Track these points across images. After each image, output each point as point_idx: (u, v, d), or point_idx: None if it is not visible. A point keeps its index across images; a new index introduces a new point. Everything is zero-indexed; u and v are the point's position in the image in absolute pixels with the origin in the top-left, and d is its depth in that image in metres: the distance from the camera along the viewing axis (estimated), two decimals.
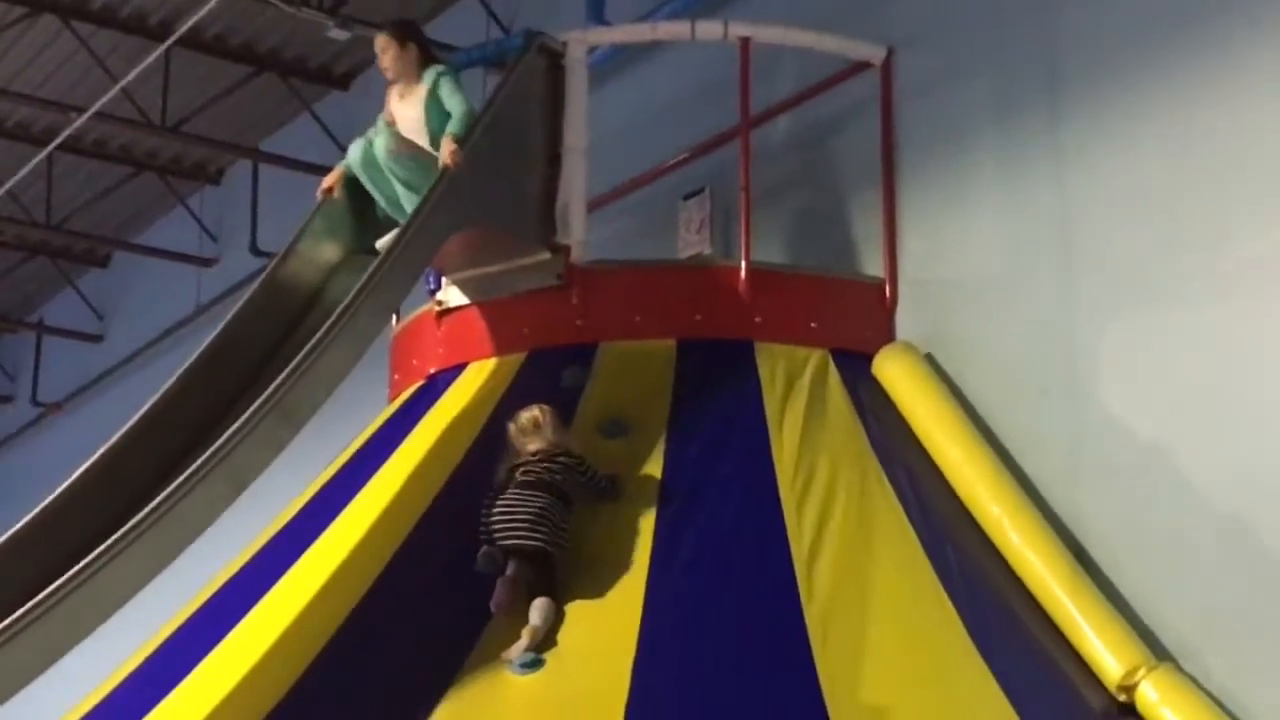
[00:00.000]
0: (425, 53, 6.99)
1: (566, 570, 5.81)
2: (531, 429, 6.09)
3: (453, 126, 6.62)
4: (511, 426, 6.16)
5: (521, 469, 5.96)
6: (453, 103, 6.72)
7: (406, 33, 7.02)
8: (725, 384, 6.74)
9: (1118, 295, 6.49)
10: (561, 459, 5.99)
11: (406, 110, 6.89)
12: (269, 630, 5.72)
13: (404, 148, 6.69)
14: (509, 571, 5.76)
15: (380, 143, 6.67)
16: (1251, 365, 5.94)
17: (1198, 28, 6.31)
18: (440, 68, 6.90)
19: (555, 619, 5.63)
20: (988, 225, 7.05)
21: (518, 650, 5.49)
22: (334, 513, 6.39)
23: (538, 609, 5.62)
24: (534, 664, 5.44)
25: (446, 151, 6.48)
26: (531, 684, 5.40)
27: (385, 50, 6.95)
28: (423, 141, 6.76)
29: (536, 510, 5.80)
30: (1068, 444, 6.53)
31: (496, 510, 5.85)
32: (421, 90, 6.83)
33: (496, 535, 5.81)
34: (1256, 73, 6.09)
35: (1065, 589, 6.00)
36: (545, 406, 6.20)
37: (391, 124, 6.88)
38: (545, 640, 5.58)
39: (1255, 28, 6.10)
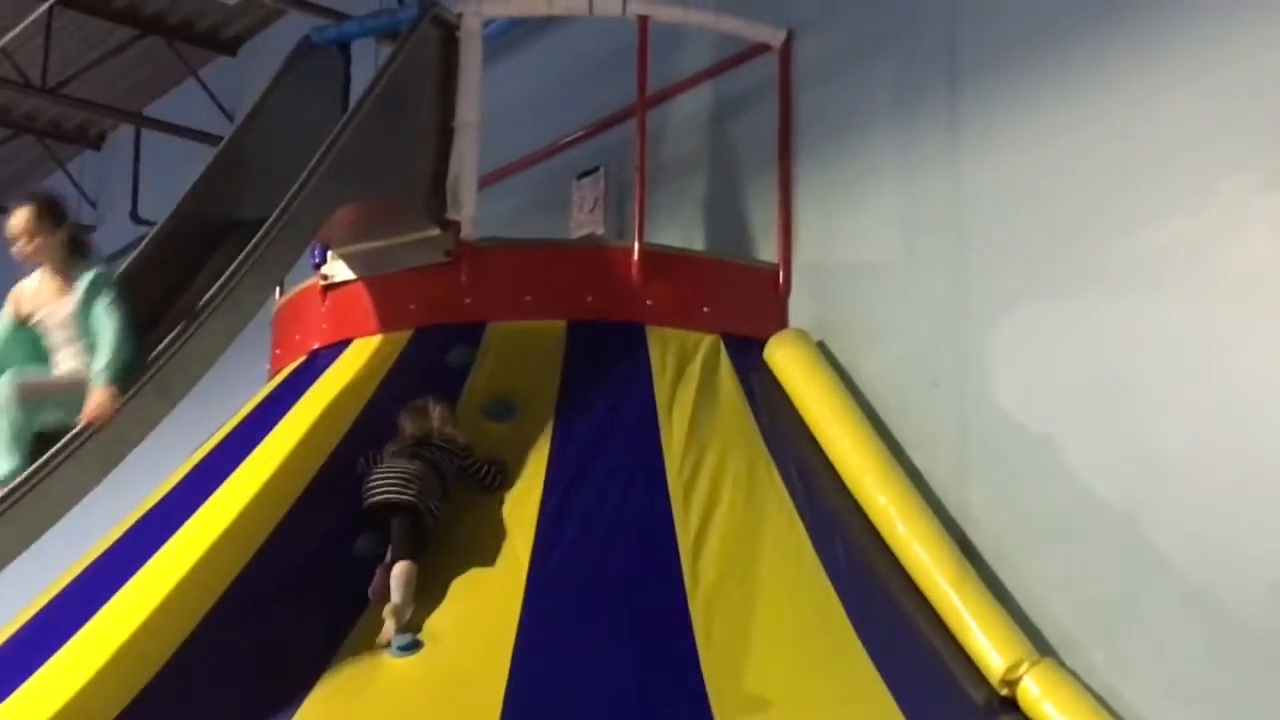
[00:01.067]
0: (76, 241, 5.94)
1: (448, 552, 5.77)
2: (419, 416, 6.10)
3: (103, 364, 5.42)
4: (402, 413, 6.15)
5: (405, 447, 5.98)
6: (106, 329, 5.53)
7: (57, 213, 5.89)
8: (615, 367, 6.74)
9: (1010, 287, 6.53)
10: (440, 442, 6.00)
11: (57, 304, 5.77)
12: (139, 610, 5.65)
13: (32, 393, 5.50)
14: (388, 556, 5.72)
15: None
16: (1141, 358, 6.01)
17: (1096, 19, 6.35)
18: (97, 271, 5.83)
19: (414, 588, 5.59)
20: (883, 212, 7.08)
21: (387, 635, 5.48)
22: (210, 490, 6.33)
23: (396, 582, 5.59)
24: (412, 646, 5.41)
25: (93, 403, 5.31)
26: (410, 666, 5.37)
27: (25, 230, 5.75)
28: (75, 350, 5.67)
29: (410, 472, 5.80)
30: (956, 436, 6.57)
31: (372, 475, 5.85)
32: (73, 293, 5.71)
33: (369, 496, 5.80)
34: (1152, 66, 6.14)
35: (950, 582, 6.04)
36: (439, 398, 6.22)
37: (26, 319, 5.83)
38: (413, 617, 5.55)
39: (1151, 21, 6.15)
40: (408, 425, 6.09)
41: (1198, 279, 5.89)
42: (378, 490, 5.80)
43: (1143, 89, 6.15)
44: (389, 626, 5.50)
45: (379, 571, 5.68)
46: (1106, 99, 6.28)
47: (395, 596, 5.55)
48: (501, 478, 6.13)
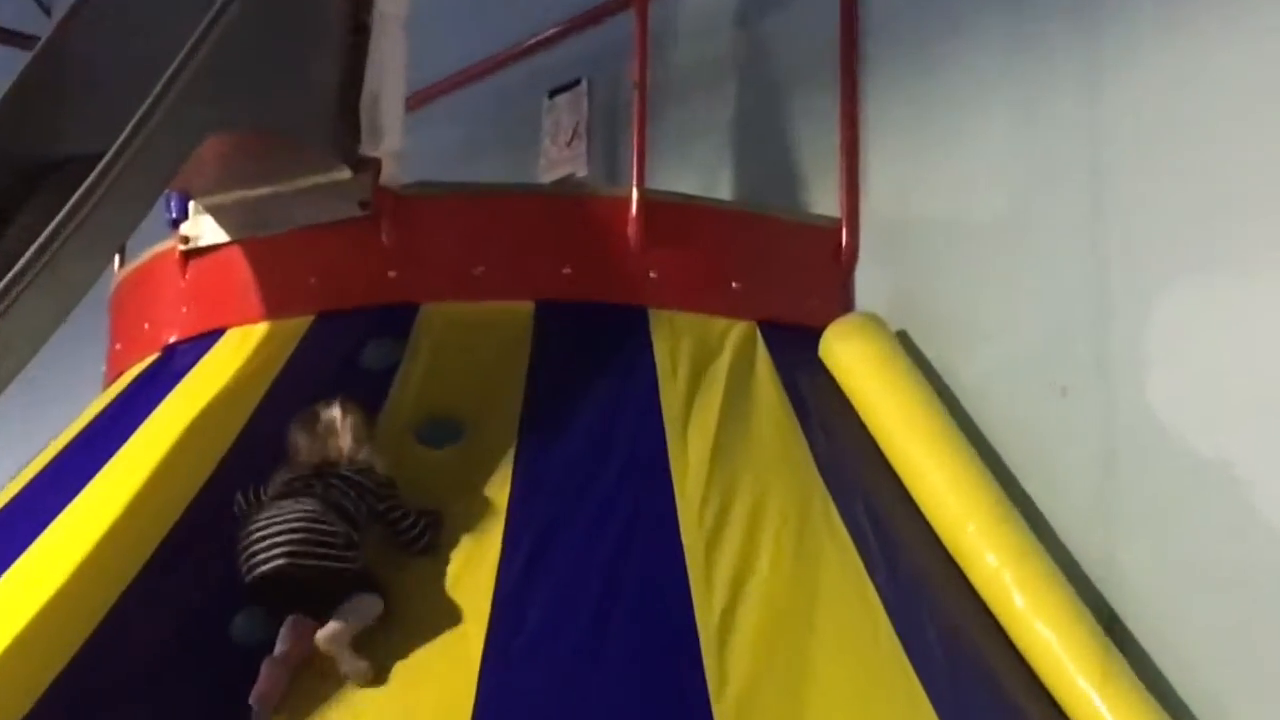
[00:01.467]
0: None
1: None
2: (323, 433, 6.09)
3: None
4: (294, 427, 6.12)
5: (299, 480, 5.96)
6: None
7: None
8: (604, 370, 6.71)
9: (1170, 257, 6.51)
10: (349, 473, 5.97)
11: None
12: None
13: None
14: (281, 643, 5.65)
15: None
16: None
17: None
18: None
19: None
20: (990, 150, 7.06)
21: (353, 669, 5.53)
22: (19, 547, 6.32)
23: (335, 629, 5.60)
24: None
25: None
26: None
27: None
28: None
29: (305, 520, 5.77)
30: (1095, 464, 6.52)
31: (252, 530, 5.81)
32: None
33: (256, 558, 5.75)
34: None
35: (1090, 678, 5.98)
36: (353, 404, 6.18)
37: None
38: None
39: None
40: (302, 444, 6.07)
41: None
42: (272, 551, 5.75)
43: None
44: (348, 661, 5.53)
45: (266, 666, 5.58)
46: None
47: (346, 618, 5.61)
48: (432, 536, 6.07)
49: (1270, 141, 6.21)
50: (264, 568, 5.71)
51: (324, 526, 5.78)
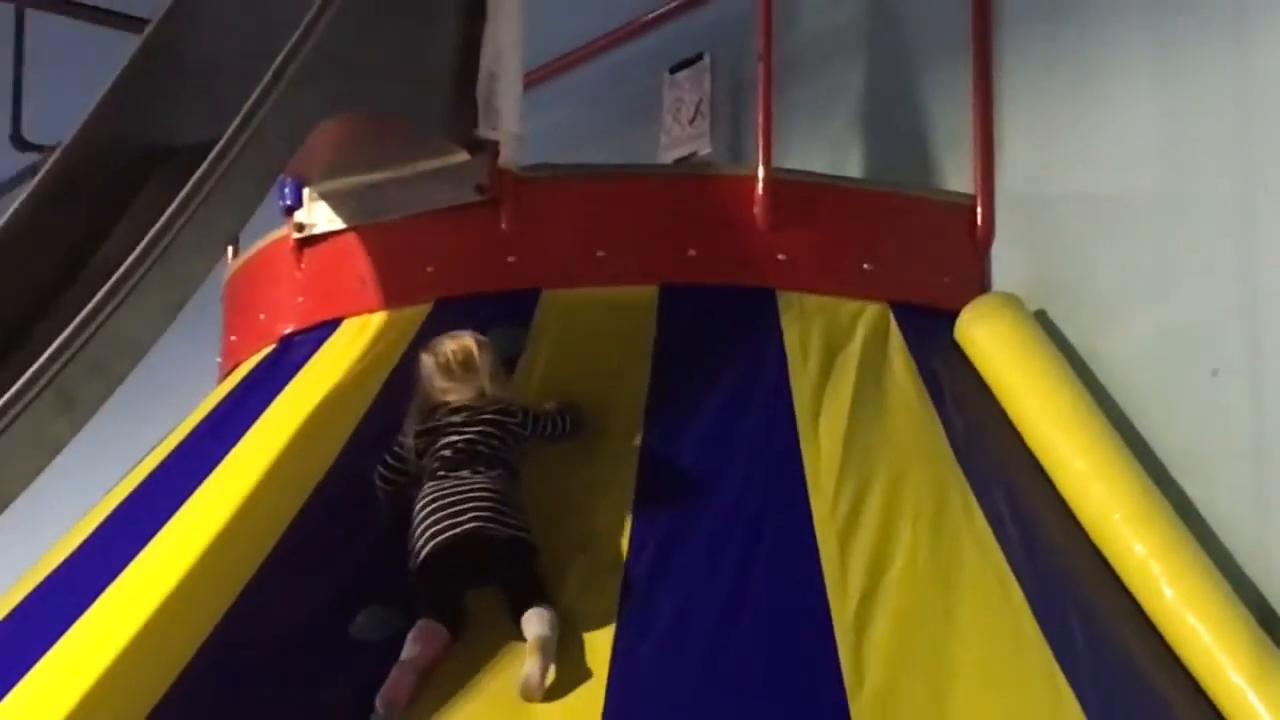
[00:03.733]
0: None
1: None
2: (461, 373, 6.15)
3: None
4: (429, 361, 6.18)
5: (442, 440, 6.01)
6: None
7: None
8: (732, 355, 6.71)
9: None
10: (496, 417, 6.05)
11: None
12: None
13: None
14: (411, 647, 5.66)
15: None
16: None
17: None
18: None
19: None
20: (1134, 123, 7.01)
21: (534, 679, 5.51)
22: (138, 547, 6.36)
23: (535, 618, 5.63)
24: None
25: None
26: None
27: None
28: None
29: (490, 489, 5.85)
30: (1250, 450, 6.49)
31: (419, 512, 5.87)
32: None
33: (428, 540, 5.80)
34: None
35: (1247, 675, 5.92)
36: (481, 338, 6.23)
37: None
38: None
39: None
40: (448, 387, 6.13)
41: None
42: (460, 518, 5.79)
43: None
44: (534, 663, 5.52)
45: (396, 670, 5.61)
46: None
47: (539, 628, 5.61)
48: (575, 425, 6.28)
49: None
50: (453, 532, 5.74)
51: (504, 493, 5.86)
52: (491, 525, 5.78)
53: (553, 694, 5.56)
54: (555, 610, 5.68)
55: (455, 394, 6.10)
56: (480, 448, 5.98)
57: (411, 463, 6.09)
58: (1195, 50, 6.83)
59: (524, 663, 5.48)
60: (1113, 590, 6.24)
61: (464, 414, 6.04)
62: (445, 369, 6.16)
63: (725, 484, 6.23)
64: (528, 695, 5.49)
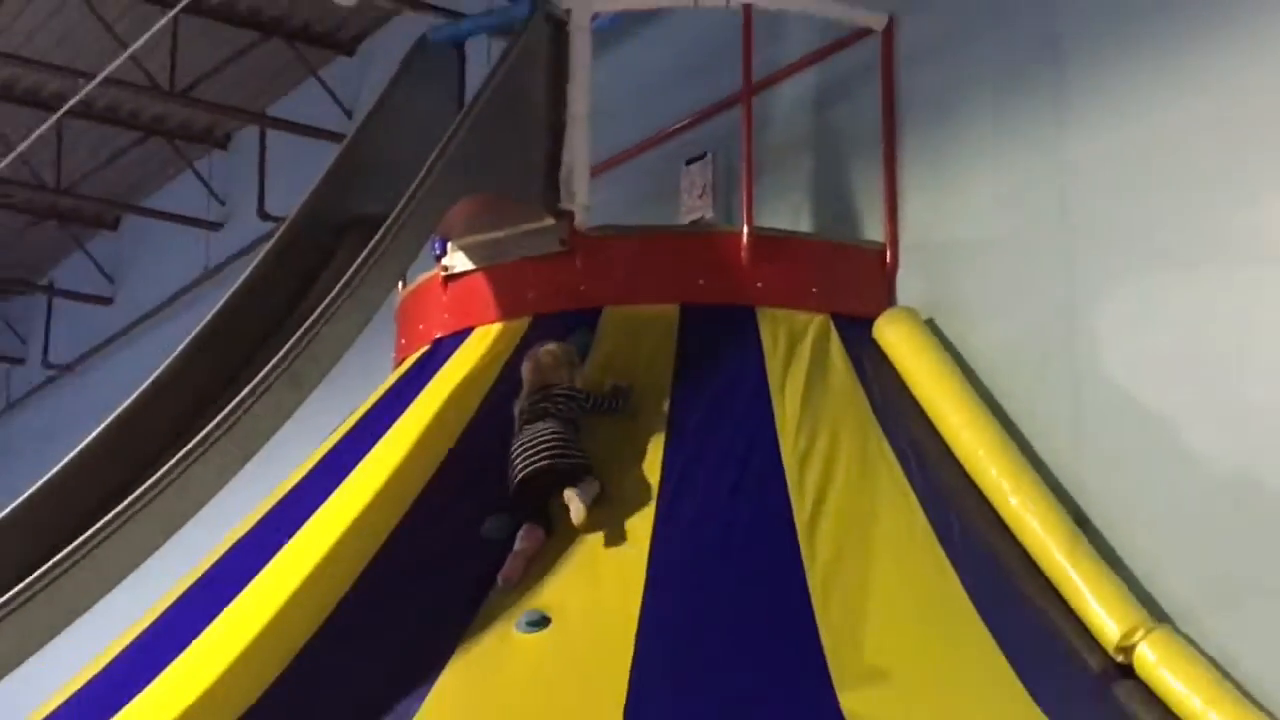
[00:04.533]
0: None
1: (568, 531, 5.77)
2: (545, 368, 6.21)
3: None
4: (529, 363, 6.23)
5: (534, 404, 6.07)
6: None
7: None
8: (727, 349, 6.67)
9: (1119, 261, 6.40)
10: (565, 392, 6.10)
11: None
12: (276, 596, 5.68)
13: None
14: (520, 541, 5.74)
15: None
16: (1258, 332, 5.87)
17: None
18: None
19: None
20: (989, 190, 6.97)
21: (578, 514, 5.68)
22: (340, 479, 6.35)
23: (574, 493, 5.72)
24: (540, 623, 5.39)
25: None
26: (537, 642, 5.35)
27: None
28: None
29: (552, 436, 5.90)
30: (1069, 411, 6.46)
31: (514, 453, 5.93)
32: None
33: (520, 471, 5.87)
34: (1266, 32, 5.96)
35: (1064, 553, 5.94)
36: (562, 345, 6.30)
37: None
38: (537, 595, 5.56)
39: None
40: (531, 376, 6.18)
41: None
42: (534, 460, 5.87)
43: (1253, 57, 6.00)
44: (578, 506, 5.67)
45: (511, 558, 5.69)
46: (1216, 67, 6.14)
47: (580, 495, 5.73)
48: (623, 401, 6.28)
49: (1196, 174, 6.13)
50: (535, 467, 5.83)
51: (566, 437, 5.93)
52: (556, 460, 5.84)
53: (608, 555, 5.68)
54: (594, 484, 5.81)
55: (545, 380, 6.14)
56: (553, 411, 6.01)
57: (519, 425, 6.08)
58: (1027, 137, 6.80)
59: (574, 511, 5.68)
60: (976, 499, 6.22)
61: (548, 391, 6.09)
62: (537, 367, 6.18)
63: (725, 431, 6.23)
64: (579, 526, 5.68)
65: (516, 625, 5.39)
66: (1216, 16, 6.14)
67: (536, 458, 5.87)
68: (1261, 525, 5.68)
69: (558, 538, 5.78)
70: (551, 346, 6.29)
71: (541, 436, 5.92)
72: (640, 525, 5.77)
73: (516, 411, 6.14)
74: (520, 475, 5.87)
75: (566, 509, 5.76)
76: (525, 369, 6.23)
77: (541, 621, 5.38)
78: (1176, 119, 6.25)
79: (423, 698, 5.14)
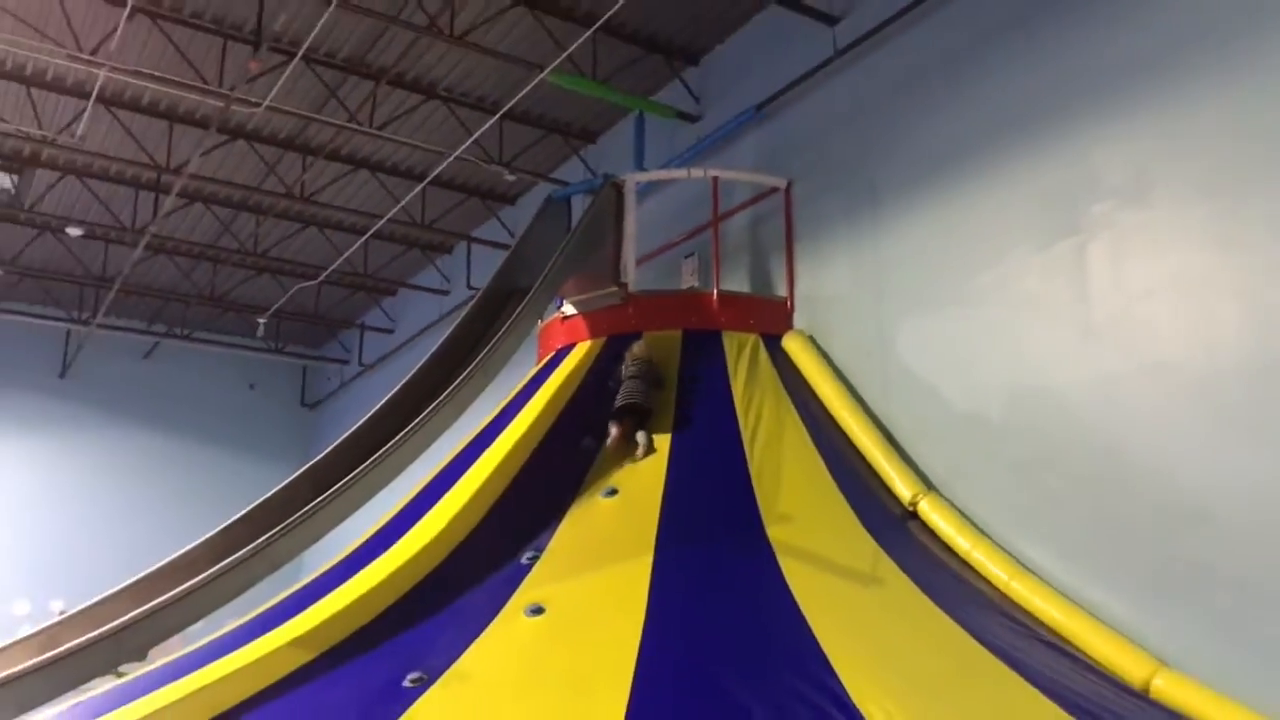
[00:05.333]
0: None
1: (615, 464, 5.58)
2: (636, 353, 6.09)
3: None
4: (627, 353, 6.08)
5: (630, 368, 5.93)
6: None
7: None
8: (706, 354, 6.55)
9: (907, 305, 6.36)
10: (644, 366, 5.99)
11: None
12: (470, 486, 5.50)
13: None
14: (612, 430, 5.60)
15: None
16: (976, 339, 5.85)
17: (960, 158, 6.11)
18: None
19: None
20: (840, 269, 6.92)
21: (643, 450, 5.40)
22: (508, 421, 6.20)
23: (642, 434, 5.56)
24: (613, 493, 5.19)
25: None
26: (611, 504, 5.16)
27: None
28: None
29: (640, 388, 5.78)
30: (882, 378, 6.41)
31: (620, 392, 5.79)
32: None
33: (621, 401, 5.73)
34: (985, 187, 5.90)
35: (881, 454, 5.94)
36: (643, 343, 6.11)
37: None
38: (648, 446, 5.39)
39: (987, 158, 5.91)
40: (627, 357, 6.04)
41: (1001, 299, 5.74)
42: (628, 399, 5.71)
43: (978, 198, 5.99)
44: (643, 446, 5.43)
45: (611, 438, 5.55)
46: (957, 203, 6.11)
47: (643, 440, 5.50)
48: (664, 379, 6.08)
49: (948, 261, 6.04)
50: (629, 401, 5.72)
51: (645, 388, 5.81)
52: (640, 401, 5.73)
53: (640, 472, 5.43)
54: (649, 434, 5.63)
55: (637, 358, 6.01)
56: (639, 374, 5.88)
57: (617, 381, 5.91)
58: (860, 242, 6.60)
59: (640, 447, 5.50)
60: (837, 430, 6.10)
61: (635, 365, 5.97)
62: (636, 352, 6.08)
63: (705, 401, 6.00)
64: (645, 456, 5.48)
65: (601, 494, 5.29)
66: (966, 175, 6.08)
67: (631, 397, 5.75)
68: (979, 435, 5.68)
69: (626, 448, 5.59)
70: (642, 343, 6.17)
71: (635, 387, 5.80)
72: (662, 443, 5.70)
73: (622, 371, 5.93)
74: (620, 404, 5.74)
75: (635, 430, 5.65)
76: (630, 352, 6.05)
77: (613, 492, 5.30)
78: (938, 231, 6.22)
79: (553, 532, 5.06)
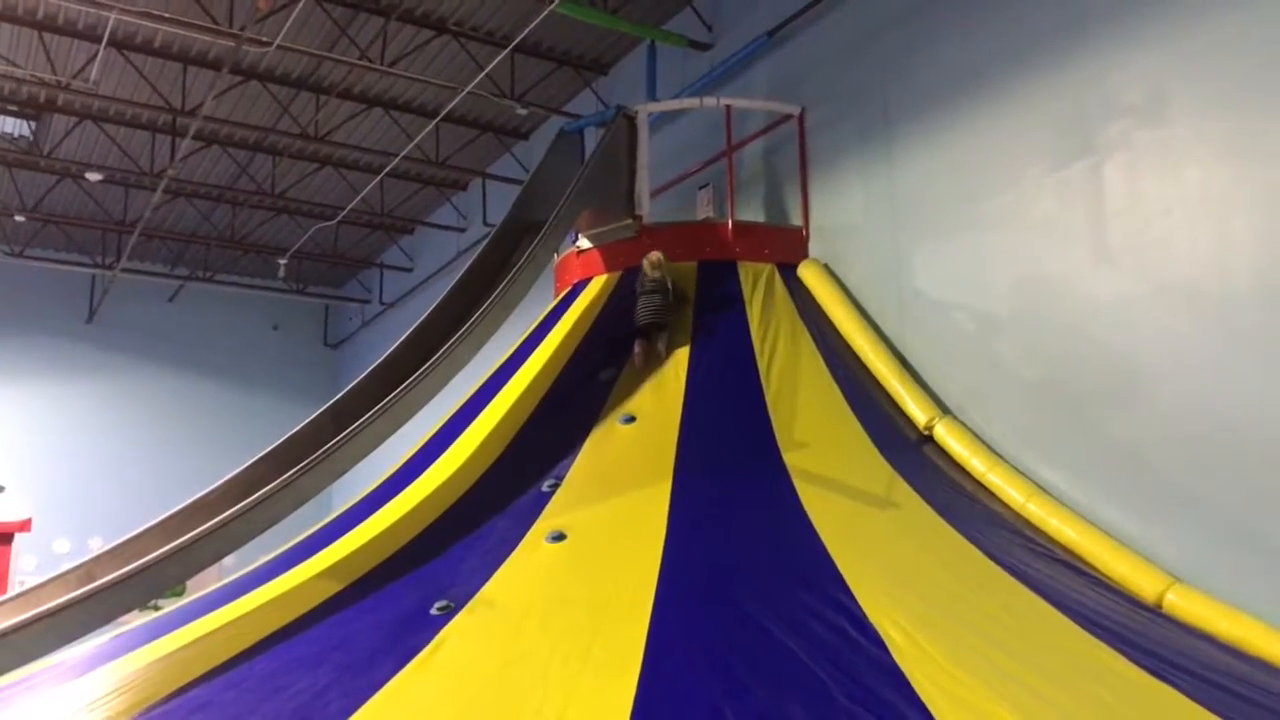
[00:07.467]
0: None
1: (642, 379, 5.65)
2: (650, 268, 5.99)
3: None
4: (645, 261, 6.00)
5: (647, 285, 5.88)
6: None
7: None
8: (722, 284, 6.51)
9: (920, 231, 6.31)
10: (661, 281, 5.93)
11: None
12: (496, 414, 5.58)
13: None
14: (636, 348, 5.61)
15: None
16: (986, 263, 5.80)
17: (974, 90, 6.02)
18: None
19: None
20: (854, 198, 6.85)
21: (662, 354, 5.47)
22: (527, 355, 6.23)
23: (661, 341, 5.64)
24: (631, 420, 5.18)
25: None
26: (629, 431, 5.14)
27: None
28: None
29: (657, 304, 5.75)
30: (896, 306, 6.38)
31: (638, 306, 5.79)
32: None
33: (639, 319, 5.73)
34: (998, 112, 5.81)
35: (896, 379, 5.91)
36: (660, 255, 5.99)
37: None
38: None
39: (999, 87, 5.80)
40: (649, 270, 5.93)
41: (1016, 223, 5.66)
42: (646, 316, 5.70)
43: (992, 121, 5.89)
44: (662, 345, 5.49)
45: (635, 355, 5.58)
46: (971, 127, 6.02)
47: (661, 346, 5.57)
48: (682, 297, 6.03)
49: (958, 189, 5.98)
50: (649, 320, 5.70)
51: (662, 303, 5.76)
52: (658, 317, 5.69)
53: (667, 379, 5.44)
54: (667, 335, 5.63)
55: (653, 274, 5.94)
56: (656, 290, 5.81)
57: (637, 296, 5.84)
58: (874, 171, 6.59)
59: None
60: (852, 356, 6.09)
61: (652, 281, 5.92)
62: (650, 264, 5.97)
63: (722, 328, 5.97)
64: (661, 358, 5.48)
65: (619, 420, 5.22)
66: (981, 103, 5.97)
67: (649, 315, 5.72)
68: (994, 359, 5.66)
69: (646, 366, 5.61)
70: (657, 253, 5.97)
71: (653, 303, 5.77)
72: (682, 359, 5.68)
73: (637, 286, 5.86)
74: (641, 322, 5.73)
75: (656, 344, 5.67)
76: (645, 264, 5.94)
77: (631, 419, 5.29)
78: (949, 160, 6.14)
79: (572, 460, 5.06)
